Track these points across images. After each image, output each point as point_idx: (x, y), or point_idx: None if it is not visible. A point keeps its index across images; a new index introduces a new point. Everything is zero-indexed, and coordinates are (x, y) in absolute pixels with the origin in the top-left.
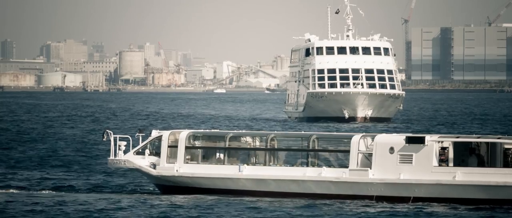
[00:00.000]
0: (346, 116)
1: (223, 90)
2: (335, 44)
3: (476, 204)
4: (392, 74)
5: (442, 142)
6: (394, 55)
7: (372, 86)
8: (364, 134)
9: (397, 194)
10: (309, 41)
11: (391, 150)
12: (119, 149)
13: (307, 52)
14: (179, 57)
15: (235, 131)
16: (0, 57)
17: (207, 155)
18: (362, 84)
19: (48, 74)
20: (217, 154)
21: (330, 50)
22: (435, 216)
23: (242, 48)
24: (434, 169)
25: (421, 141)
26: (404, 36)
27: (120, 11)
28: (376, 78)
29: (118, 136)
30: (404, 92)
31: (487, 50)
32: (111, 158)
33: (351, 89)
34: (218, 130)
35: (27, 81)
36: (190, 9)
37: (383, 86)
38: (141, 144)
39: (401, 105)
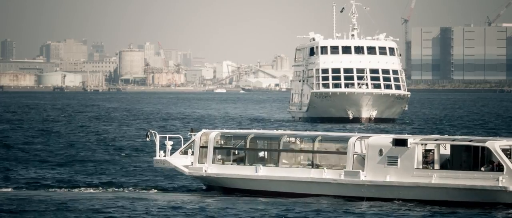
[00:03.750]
0: (350, 116)
1: (224, 90)
2: (340, 43)
3: (453, 206)
4: (398, 74)
5: (425, 144)
6: (400, 55)
7: (377, 86)
8: (361, 135)
9: (385, 196)
10: (314, 40)
11: (380, 152)
12: (162, 149)
13: (312, 52)
14: (179, 57)
15: (256, 131)
16: (0, 57)
17: (233, 155)
18: (367, 84)
19: (48, 74)
20: (241, 154)
21: (334, 49)
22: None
23: (242, 48)
24: (415, 172)
25: (404, 143)
26: (404, 36)
27: (120, 11)
28: (381, 79)
29: (167, 135)
30: (409, 92)
31: (487, 50)
32: (156, 157)
33: (355, 89)
34: (245, 130)
35: (27, 81)
36: (190, 9)
37: (388, 86)
38: (186, 144)
39: (406, 106)
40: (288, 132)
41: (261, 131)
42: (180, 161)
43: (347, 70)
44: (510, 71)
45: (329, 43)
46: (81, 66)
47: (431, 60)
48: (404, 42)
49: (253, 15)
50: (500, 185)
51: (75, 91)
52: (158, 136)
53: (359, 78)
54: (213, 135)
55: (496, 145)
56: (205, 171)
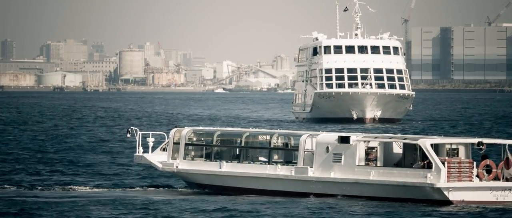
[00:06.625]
0: (355, 116)
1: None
2: (343, 43)
3: (389, 202)
4: (402, 74)
5: (368, 141)
6: (404, 54)
7: (381, 86)
8: (312, 132)
9: (330, 192)
10: (317, 40)
11: (327, 149)
12: (140, 146)
13: (315, 51)
14: (179, 57)
15: (223, 128)
16: (0, 57)
17: (202, 151)
18: (370, 84)
19: (48, 74)
20: (208, 151)
21: (338, 49)
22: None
23: (242, 48)
24: (357, 168)
25: (347, 140)
26: (404, 36)
27: (120, 11)
28: (385, 78)
29: (151, 132)
30: (414, 92)
31: (487, 50)
32: (136, 154)
33: (359, 89)
34: (215, 128)
35: (27, 81)
36: (190, 9)
37: (392, 86)
38: (166, 141)
39: (411, 105)
40: (252, 129)
41: (228, 128)
42: (157, 157)
43: (350, 70)
44: (510, 71)
45: (332, 42)
46: (81, 66)
47: (431, 60)
48: (404, 42)
49: (253, 16)
50: (428, 181)
51: (75, 91)
52: (139, 133)
53: (363, 78)
54: (185, 132)
55: (427, 142)
56: (176, 167)
